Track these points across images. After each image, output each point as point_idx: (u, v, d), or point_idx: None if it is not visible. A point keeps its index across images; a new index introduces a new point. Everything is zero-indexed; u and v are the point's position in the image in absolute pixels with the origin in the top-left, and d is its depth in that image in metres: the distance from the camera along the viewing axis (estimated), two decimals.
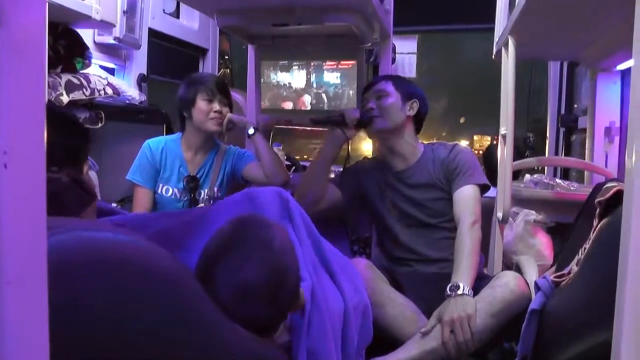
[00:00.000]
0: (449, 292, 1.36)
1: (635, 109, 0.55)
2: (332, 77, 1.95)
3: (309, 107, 2.00)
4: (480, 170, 1.62)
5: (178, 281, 0.62)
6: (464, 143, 3.61)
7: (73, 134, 0.85)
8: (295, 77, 1.98)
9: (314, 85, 1.97)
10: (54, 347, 0.32)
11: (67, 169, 0.72)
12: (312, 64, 1.95)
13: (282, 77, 2.00)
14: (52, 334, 0.32)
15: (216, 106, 1.75)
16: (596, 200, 0.87)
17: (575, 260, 0.98)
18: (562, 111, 2.83)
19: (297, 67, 1.97)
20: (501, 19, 1.95)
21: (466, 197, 1.55)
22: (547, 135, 2.95)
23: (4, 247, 0.25)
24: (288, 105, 2.03)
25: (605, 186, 0.91)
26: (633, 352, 0.56)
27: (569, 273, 1.00)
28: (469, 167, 1.59)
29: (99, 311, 0.54)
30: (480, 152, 3.53)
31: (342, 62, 1.92)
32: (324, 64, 1.94)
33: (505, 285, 1.33)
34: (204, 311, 0.66)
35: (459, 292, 1.34)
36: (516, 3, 1.49)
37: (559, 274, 1.03)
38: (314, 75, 1.96)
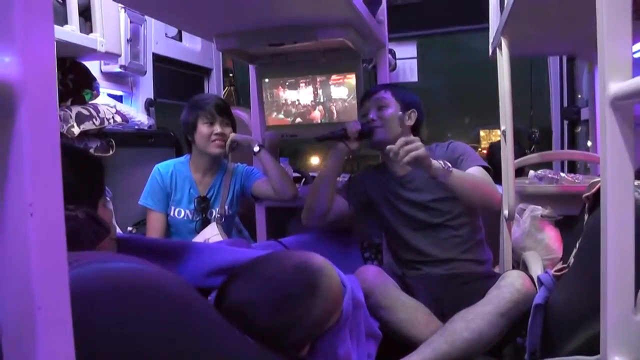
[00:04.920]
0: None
1: (601, 104, 0.58)
2: (338, 91, 1.99)
3: (319, 121, 2.04)
4: (479, 157, 1.65)
5: (186, 300, 0.68)
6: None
7: (88, 171, 0.88)
8: (303, 94, 2.03)
9: (322, 100, 2.02)
10: None
11: (83, 205, 0.77)
12: (317, 79, 1.99)
13: (289, 95, 2.05)
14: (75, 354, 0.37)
15: (217, 129, 1.79)
16: (583, 196, 0.90)
17: (573, 254, 1.01)
18: (565, 104, 2.84)
19: (304, 84, 2.02)
20: (494, 20, 1.98)
21: (478, 172, 1.58)
22: (552, 128, 2.95)
23: (34, 280, 0.31)
24: (297, 121, 2.07)
25: (592, 181, 0.94)
26: (618, 340, 0.59)
27: (568, 266, 1.02)
28: (469, 153, 1.64)
29: (116, 333, 0.59)
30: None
31: (347, 76, 1.97)
32: (329, 79, 1.98)
33: (510, 284, 1.34)
34: (213, 326, 0.71)
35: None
36: (505, 5, 1.52)
37: (559, 267, 1.06)
38: (320, 90, 2.01)
